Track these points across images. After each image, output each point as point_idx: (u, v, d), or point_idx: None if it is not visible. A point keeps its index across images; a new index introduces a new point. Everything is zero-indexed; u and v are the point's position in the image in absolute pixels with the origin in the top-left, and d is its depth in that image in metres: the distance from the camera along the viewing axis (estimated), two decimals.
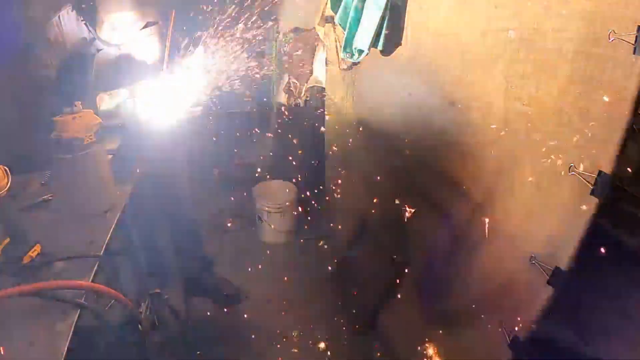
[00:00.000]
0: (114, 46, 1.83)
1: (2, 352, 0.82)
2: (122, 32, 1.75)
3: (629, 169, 1.28)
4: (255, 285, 2.55)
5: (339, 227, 2.71)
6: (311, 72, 3.11)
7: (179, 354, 1.95)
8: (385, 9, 1.70)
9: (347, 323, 2.27)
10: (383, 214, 2.20)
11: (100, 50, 1.77)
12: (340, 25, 2.04)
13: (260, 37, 2.05)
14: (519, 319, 1.23)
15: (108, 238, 1.24)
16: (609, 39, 0.94)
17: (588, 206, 1.03)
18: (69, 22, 1.69)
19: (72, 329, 0.91)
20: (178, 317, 1.84)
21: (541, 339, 1.23)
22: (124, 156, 1.66)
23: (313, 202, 3.07)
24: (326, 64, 2.63)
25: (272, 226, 2.94)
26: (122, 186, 1.50)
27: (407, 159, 1.89)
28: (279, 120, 3.30)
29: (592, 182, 1.01)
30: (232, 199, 3.35)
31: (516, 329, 1.24)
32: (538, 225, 1.20)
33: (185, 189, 2.24)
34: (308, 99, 3.15)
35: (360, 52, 1.92)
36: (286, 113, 3.27)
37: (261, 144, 3.37)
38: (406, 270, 2.00)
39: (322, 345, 2.16)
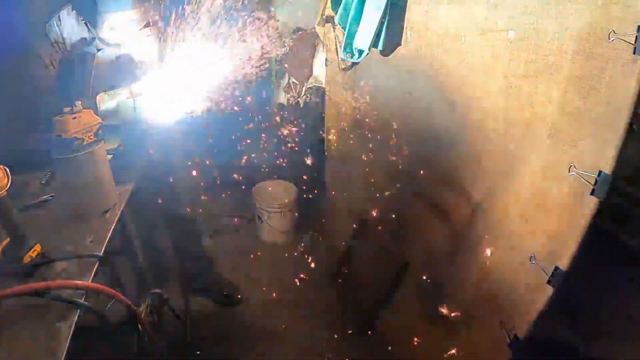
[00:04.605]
0: (114, 46, 1.83)
1: None
2: (122, 32, 1.74)
3: (628, 169, 1.28)
4: (256, 285, 2.56)
5: (339, 227, 2.71)
6: (311, 72, 3.11)
7: (179, 354, 1.96)
8: (385, 9, 1.70)
9: (348, 323, 2.28)
10: (383, 214, 2.20)
11: (100, 50, 1.77)
12: (340, 25, 2.04)
13: (260, 38, 2.05)
14: (519, 319, 1.24)
15: (108, 238, 1.24)
16: (609, 39, 0.94)
17: (588, 206, 1.03)
18: (69, 22, 1.69)
19: (72, 329, 0.91)
20: (178, 317, 1.84)
21: (541, 339, 1.23)
22: (124, 156, 1.67)
23: (313, 202, 3.07)
24: (326, 64, 2.62)
25: (272, 226, 2.93)
26: (122, 186, 1.50)
27: (407, 159, 1.89)
28: (279, 120, 3.30)
29: (592, 182, 1.01)
30: (232, 199, 3.35)
31: (516, 329, 1.24)
32: (538, 225, 1.20)
33: (185, 188, 2.25)
34: (308, 99, 3.15)
35: (360, 52, 1.91)
36: (286, 113, 3.27)
37: (261, 144, 3.37)
38: (406, 270, 2.00)
39: (322, 345, 2.16)
